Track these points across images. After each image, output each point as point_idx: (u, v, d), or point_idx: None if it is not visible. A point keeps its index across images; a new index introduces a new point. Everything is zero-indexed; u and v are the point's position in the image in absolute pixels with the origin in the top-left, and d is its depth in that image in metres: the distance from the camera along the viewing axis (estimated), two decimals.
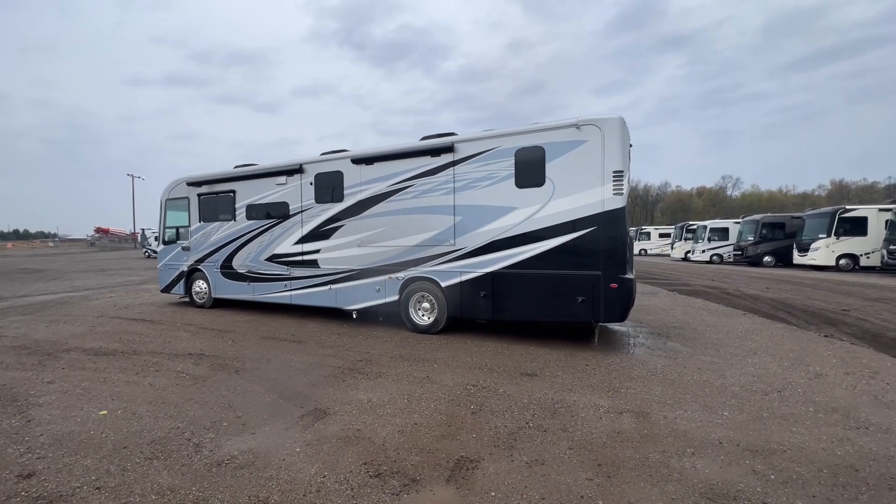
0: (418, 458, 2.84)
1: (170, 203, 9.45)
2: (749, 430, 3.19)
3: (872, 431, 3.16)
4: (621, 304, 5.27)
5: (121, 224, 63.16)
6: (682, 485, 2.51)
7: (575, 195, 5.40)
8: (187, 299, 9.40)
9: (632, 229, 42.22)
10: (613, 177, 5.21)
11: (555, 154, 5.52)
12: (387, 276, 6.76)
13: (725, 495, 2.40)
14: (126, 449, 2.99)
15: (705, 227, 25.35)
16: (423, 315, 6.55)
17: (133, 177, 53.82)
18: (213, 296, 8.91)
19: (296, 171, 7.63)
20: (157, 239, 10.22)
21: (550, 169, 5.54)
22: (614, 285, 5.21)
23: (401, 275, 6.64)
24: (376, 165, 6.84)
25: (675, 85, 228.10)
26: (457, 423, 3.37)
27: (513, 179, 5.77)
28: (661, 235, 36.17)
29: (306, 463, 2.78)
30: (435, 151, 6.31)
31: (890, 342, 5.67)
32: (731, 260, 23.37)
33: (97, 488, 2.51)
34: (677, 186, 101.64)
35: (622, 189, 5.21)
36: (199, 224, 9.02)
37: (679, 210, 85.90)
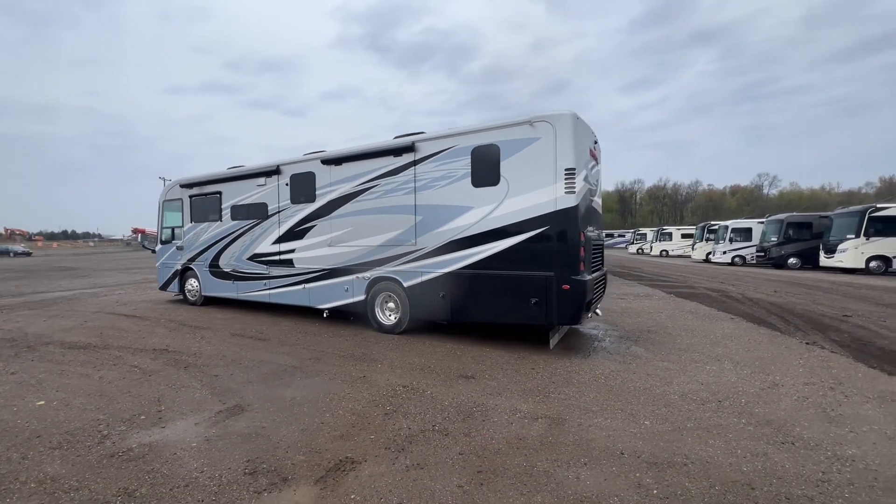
0: (302, 458, 2.84)
1: (166, 204, 9.88)
2: (661, 442, 3.01)
3: (797, 447, 2.91)
4: (573, 306, 5.09)
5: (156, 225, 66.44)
6: (552, 496, 2.40)
7: (528, 194, 5.27)
8: (181, 297, 9.79)
9: (649, 230, 40.56)
10: (565, 175, 5.04)
11: (509, 152, 5.40)
12: (354, 276, 6.81)
13: None
14: (39, 438, 3.14)
15: (727, 227, 24.14)
16: (388, 315, 6.56)
17: (164, 180, 56.62)
18: (203, 293, 9.25)
19: (273, 172, 7.80)
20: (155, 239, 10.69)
21: (505, 168, 5.43)
22: (566, 286, 5.04)
23: (367, 274, 6.67)
24: (344, 166, 6.90)
25: (706, 80, 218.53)
26: (362, 424, 3.35)
27: (469, 179, 5.69)
28: (684, 236, 34.72)
29: (193, 458, 2.84)
30: (397, 151, 6.31)
31: (875, 351, 5.21)
32: (754, 262, 22.19)
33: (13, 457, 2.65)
34: (709, 185, 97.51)
35: (574, 187, 5.03)
36: (191, 224, 9.38)
37: (710, 209, 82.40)
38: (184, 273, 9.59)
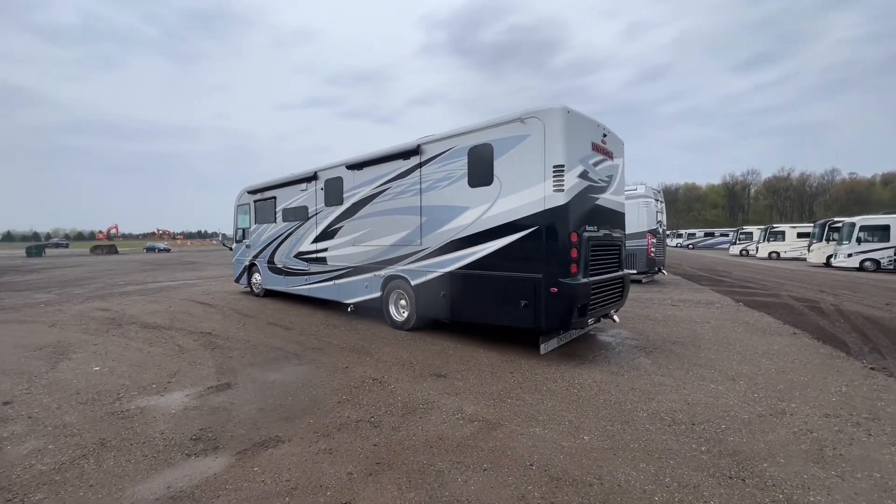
0: (242, 432, 3.22)
1: (239, 208, 11.44)
2: (584, 459, 2.80)
3: (744, 485, 2.49)
4: (561, 311, 4.82)
5: None
6: (426, 495, 2.42)
7: (519, 193, 5.11)
8: (249, 289, 11.26)
9: (755, 228, 35.09)
10: (554, 172, 4.79)
11: (501, 151, 5.30)
12: (372, 274, 7.23)
13: None
14: (77, 395, 4.01)
15: (853, 224, 19.93)
16: (401, 311, 6.85)
17: None
18: (263, 286, 10.53)
19: (312, 178, 8.60)
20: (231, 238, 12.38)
21: (498, 166, 5.34)
22: (554, 290, 4.80)
23: (382, 272, 7.03)
24: (364, 170, 7.35)
25: (846, 50, 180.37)
26: (312, 409, 3.65)
27: (466, 179, 5.70)
28: (801, 235, 29.40)
29: (164, 422, 3.40)
30: (406, 154, 6.55)
31: None
32: (892, 267, 18.02)
33: (30, 417, 3.50)
34: (851, 174, 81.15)
35: (563, 185, 4.76)
36: (255, 225, 10.74)
37: (852, 203, 68.55)
38: (250, 268, 11.01)
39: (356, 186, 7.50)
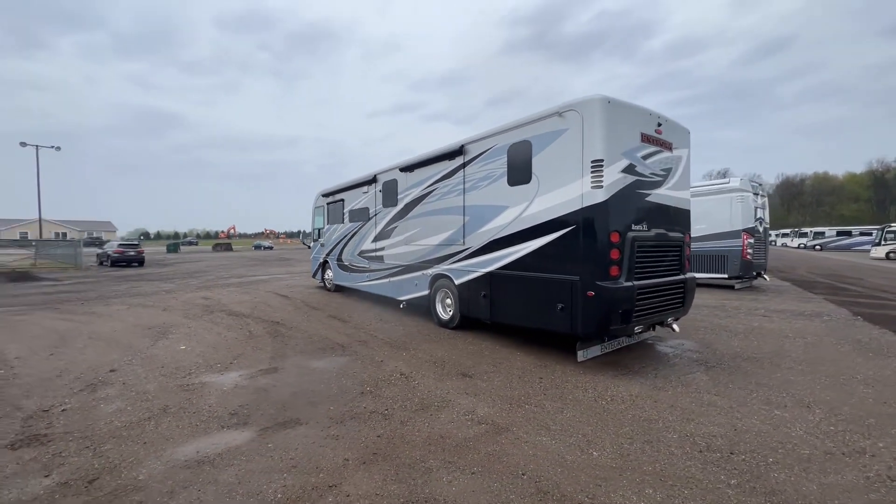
0: (272, 412, 3.59)
1: (315, 210, 12.55)
2: (585, 476, 2.61)
3: None
4: (598, 316, 4.47)
5: None
6: (407, 489, 2.48)
7: (556, 191, 4.87)
8: (322, 285, 12.30)
9: (875, 228, 28.15)
10: (592, 167, 4.48)
11: (539, 147, 5.10)
12: (421, 272, 7.44)
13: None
14: (161, 367, 4.81)
15: None
16: (446, 310, 6.96)
17: None
18: (334, 282, 11.44)
19: (372, 181, 9.12)
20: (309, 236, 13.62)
21: (536, 164, 5.15)
22: (591, 293, 4.48)
23: (430, 271, 7.20)
24: (415, 172, 7.59)
25: None
26: (336, 397, 3.91)
27: (506, 177, 5.59)
28: None
29: (214, 396, 3.93)
30: (451, 155, 6.63)
31: None
32: None
33: (124, 383, 4.29)
34: None
35: (601, 181, 4.43)
36: (328, 226, 11.71)
37: None
38: (323, 265, 12.03)
39: (408, 188, 7.78)
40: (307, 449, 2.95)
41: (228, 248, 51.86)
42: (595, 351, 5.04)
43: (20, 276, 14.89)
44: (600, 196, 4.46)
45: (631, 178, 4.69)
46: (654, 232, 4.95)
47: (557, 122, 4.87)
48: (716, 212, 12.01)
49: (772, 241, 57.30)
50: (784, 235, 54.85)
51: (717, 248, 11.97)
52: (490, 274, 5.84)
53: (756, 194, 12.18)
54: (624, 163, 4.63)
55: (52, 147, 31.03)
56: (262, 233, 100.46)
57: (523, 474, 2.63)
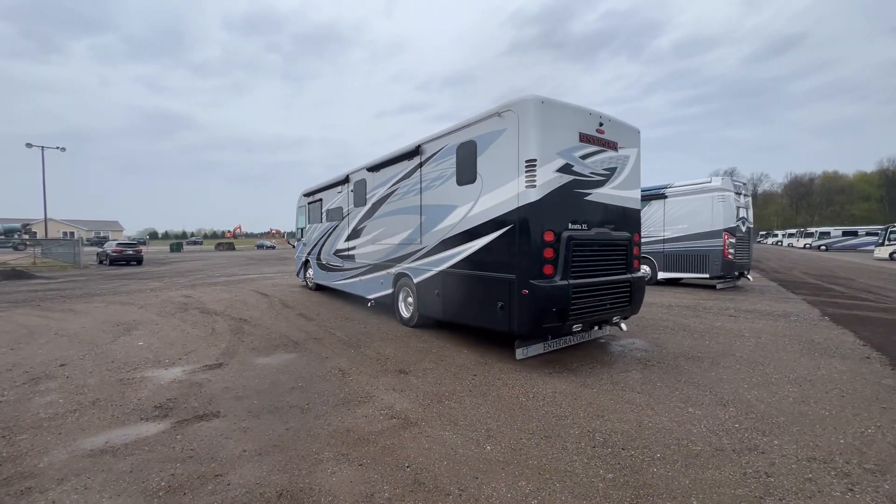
0: (195, 405, 3.68)
1: (298, 209, 12.70)
2: (467, 468, 2.67)
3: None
4: (531, 314, 4.51)
5: None
6: (287, 476, 2.55)
7: (497, 190, 4.93)
8: (305, 283, 12.44)
9: (880, 228, 27.55)
10: (526, 167, 4.53)
11: (483, 147, 5.15)
12: (386, 271, 7.52)
13: (298, 494, 2.36)
14: (112, 363, 4.94)
15: None
16: (408, 308, 7.02)
17: None
18: (314, 281, 11.56)
19: (345, 181, 9.22)
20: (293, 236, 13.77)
21: (480, 164, 5.20)
22: (525, 291, 4.53)
23: (393, 270, 7.28)
24: (381, 171, 7.68)
25: None
26: (266, 391, 4.00)
27: (455, 177, 5.65)
28: None
29: (148, 391, 4.04)
30: (410, 154, 6.70)
31: None
32: None
33: (67, 377, 4.42)
34: None
35: (535, 181, 4.48)
36: (309, 225, 11.84)
37: None
38: (305, 264, 12.17)
39: (375, 187, 7.87)
40: (211, 441, 3.04)
41: (231, 247, 52.44)
42: (537, 349, 5.07)
43: (15, 274, 15.26)
44: (534, 195, 4.51)
45: (567, 178, 4.73)
46: (594, 231, 4.97)
47: (498, 123, 4.92)
48: (697, 211, 11.95)
49: (777, 242, 56.48)
50: (790, 235, 54.02)
51: (698, 247, 11.90)
52: (443, 272, 5.90)
53: (739, 194, 12.08)
54: (559, 162, 4.66)
55: (58, 148, 31.67)
56: (268, 232, 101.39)
57: (408, 466, 2.70)
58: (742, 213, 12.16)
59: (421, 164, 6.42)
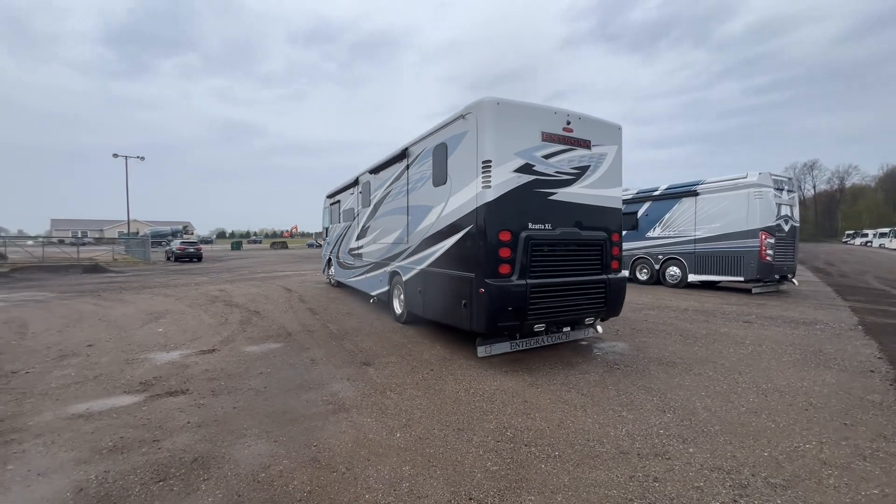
0: (172, 383, 4.20)
1: (324, 210, 13.47)
2: (367, 452, 2.88)
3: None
4: (487, 313, 4.57)
5: None
6: (207, 446, 2.91)
7: (461, 191, 5.04)
8: (327, 280, 13.17)
9: None
10: (482, 168, 4.61)
11: (452, 149, 5.29)
12: (384, 269, 7.86)
13: (209, 461, 2.70)
14: (129, 345, 5.70)
15: None
16: (400, 304, 7.30)
17: None
18: (335, 278, 12.24)
19: (355, 183, 9.71)
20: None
21: (450, 165, 5.34)
22: (481, 290, 4.61)
23: (389, 268, 7.59)
24: (380, 174, 8.02)
25: None
26: (237, 375, 4.45)
27: (431, 179, 5.82)
28: None
29: (143, 369, 4.65)
30: (399, 157, 6.97)
31: None
32: None
33: (88, 356, 5.19)
34: None
35: (490, 181, 4.55)
36: (331, 225, 12.54)
37: None
38: (328, 262, 12.90)
39: (376, 189, 8.24)
40: (166, 413, 3.50)
41: (284, 246, 56.06)
42: (503, 347, 5.12)
43: (92, 268, 17.62)
44: (490, 196, 4.58)
45: (527, 178, 4.74)
46: (559, 231, 4.93)
47: (462, 125, 5.03)
48: (731, 209, 11.13)
49: (867, 242, 49.81)
50: (882, 235, 47.63)
51: (732, 248, 11.09)
52: (423, 271, 6.10)
53: (781, 189, 11.06)
54: (518, 162, 4.69)
55: (138, 157, 35.85)
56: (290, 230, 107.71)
57: (314, 446, 2.95)
58: (785, 210, 11.12)
59: (408, 166, 6.67)
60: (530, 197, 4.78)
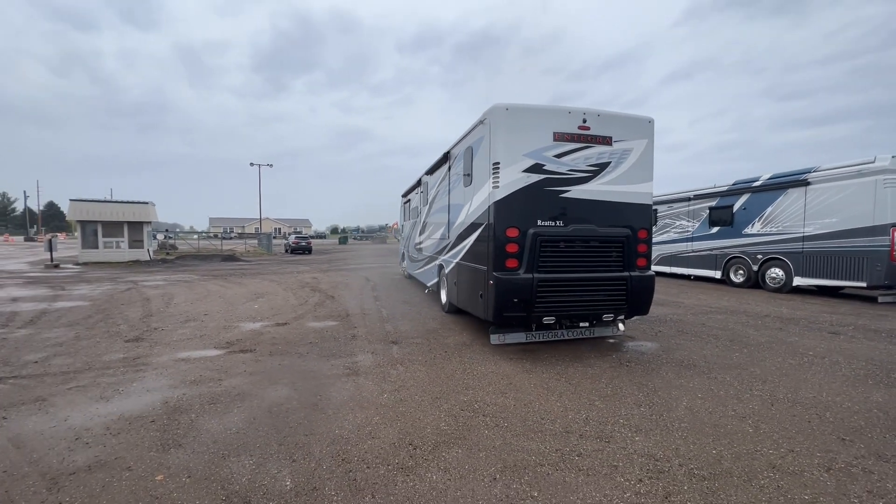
0: (247, 345, 5.48)
1: (401, 208, 14.77)
2: (347, 423, 3.58)
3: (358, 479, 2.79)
4: (494, 304, 4.94)
5: None
6: (258, 388, 3.92)
7: (480, 190, 5.47)
8: (403, 272, 14.43)
9: None
10: (493, 169, 4.99)
11: (475, 152, 5.72)
12: (434, 263, 8.60)
13: (241, 394, 3.70)
14: (231, 316, 7.36)
15: None
16: (444, 295, 7.96)
17: None
18: (407, 271, 13.40)
19: (418, 184, 10.62)
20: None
21: (475, 167, 5.77)
22: (490, 282, 5.01)
23: (437, 261, 8.31)
24: (433, 174, 8.75)
25: None
26: (294, 343, 5.58)
27: (462, 180, 6.32)
28: None
29: (232, 335, 6.08)
30: (444, 160, 7.58)
31: None
32: None
33: (201, 322, 6.91)
34: None
35: (499, 181, 4.91)
36: (403, 222, 13.74)
37: None
38: (402, 256, 14.14)
39: (430, 188, 9.01)
40: (234, 363, 4.69)
41: (383, 240, 60.80)
42: (517, 338, 5.43)
43: (229, 257, 21.81)
44: (498, 195, 4.95)
45: (537, 177, 4.97)
46: (571, 227, 5.05)
47: (481, 130, 5.45)
48: (853, 201, 9.44)
49: None
50: None
51: (851, 247, 9.41)
52: (458, 264, 6.66)
53: None
54: (527, 163, 4.95)
55: (268, 165, 42.68)
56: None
57: (320, 395, 3.77)
58: None
59: (450, 168, 7.25)
60: (540, 195, 5.00)
